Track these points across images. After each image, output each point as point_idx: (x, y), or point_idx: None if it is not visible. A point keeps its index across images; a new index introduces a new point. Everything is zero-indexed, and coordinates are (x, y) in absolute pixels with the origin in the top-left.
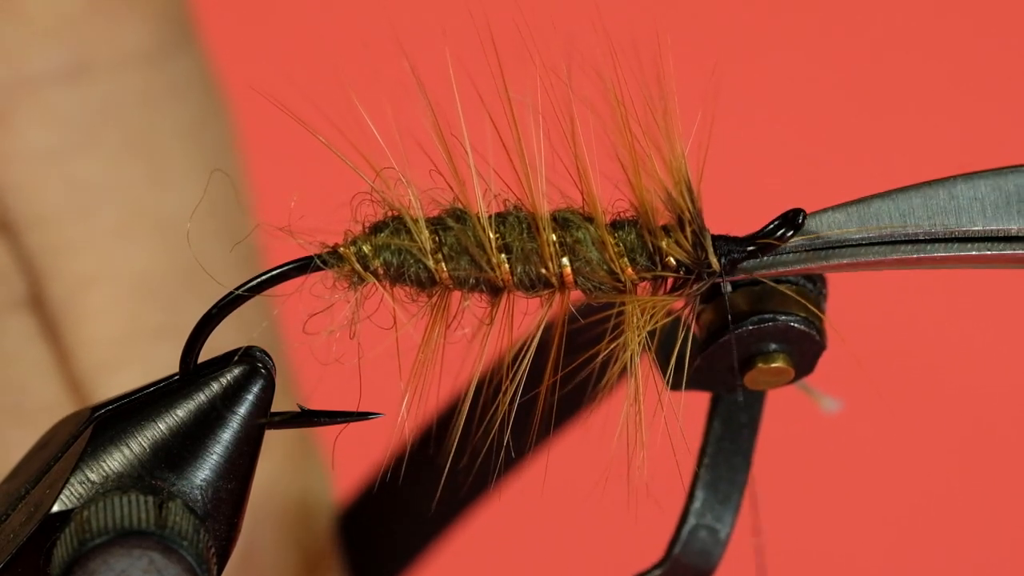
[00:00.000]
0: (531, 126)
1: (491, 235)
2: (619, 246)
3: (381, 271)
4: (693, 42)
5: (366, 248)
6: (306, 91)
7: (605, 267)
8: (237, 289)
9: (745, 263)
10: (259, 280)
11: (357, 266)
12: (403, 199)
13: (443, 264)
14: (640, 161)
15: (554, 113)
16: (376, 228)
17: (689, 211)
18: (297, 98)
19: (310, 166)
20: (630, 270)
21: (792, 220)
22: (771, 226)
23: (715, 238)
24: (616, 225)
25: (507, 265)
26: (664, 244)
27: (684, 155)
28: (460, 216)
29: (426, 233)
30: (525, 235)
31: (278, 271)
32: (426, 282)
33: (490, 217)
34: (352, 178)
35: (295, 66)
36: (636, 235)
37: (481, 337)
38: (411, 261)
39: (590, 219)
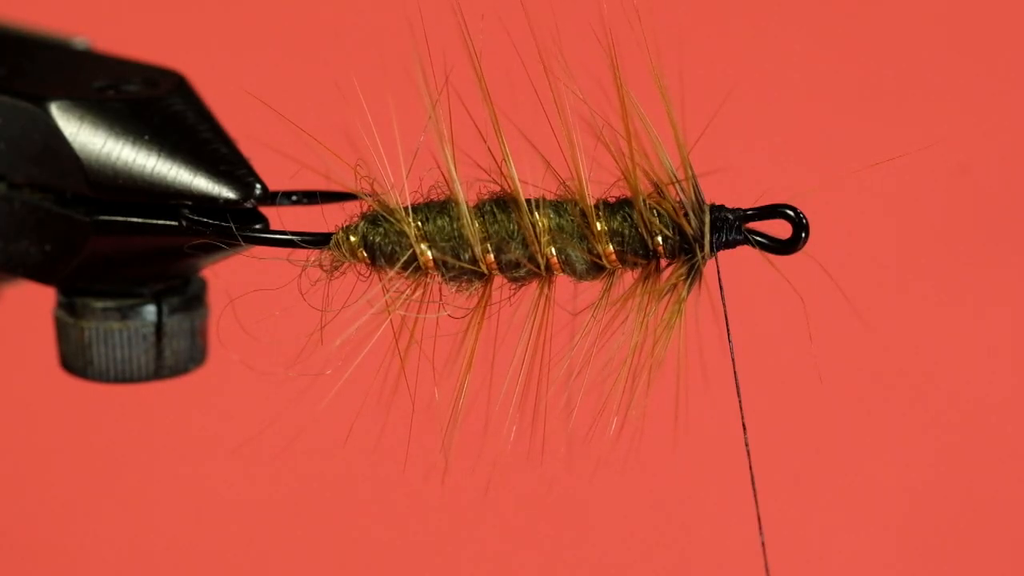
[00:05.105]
0: (505, 106)
1: (475, 225)
2: (605, 232)
3: (368, 256)
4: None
5: (354, 237)
6: (277, 85)
7: (590, 252)
8: (246, 233)
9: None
10: (270, 236)
11: (361, 253)
12: (392, 193)
13: (428, 253)
14: (638, 153)
15: (537, 93)
16: (372, 219)
17: (694, 210)
18: (281, 95)
19: (291, 169)
20: (613, 256)
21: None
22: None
23: (714, 229)
24: (604, 209)
25: (492, 255)
26: (659, 239)
27: (684, 146)
28: (445, 207)
29: (415, 224)
30: (508, 222)
31: (290, 237)
32: (411, 269)
33: (475, 206)
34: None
35: (270, 61)
36: (623, 219)
37: (470, 324)
38: (398, 249)
39: (576, 205)
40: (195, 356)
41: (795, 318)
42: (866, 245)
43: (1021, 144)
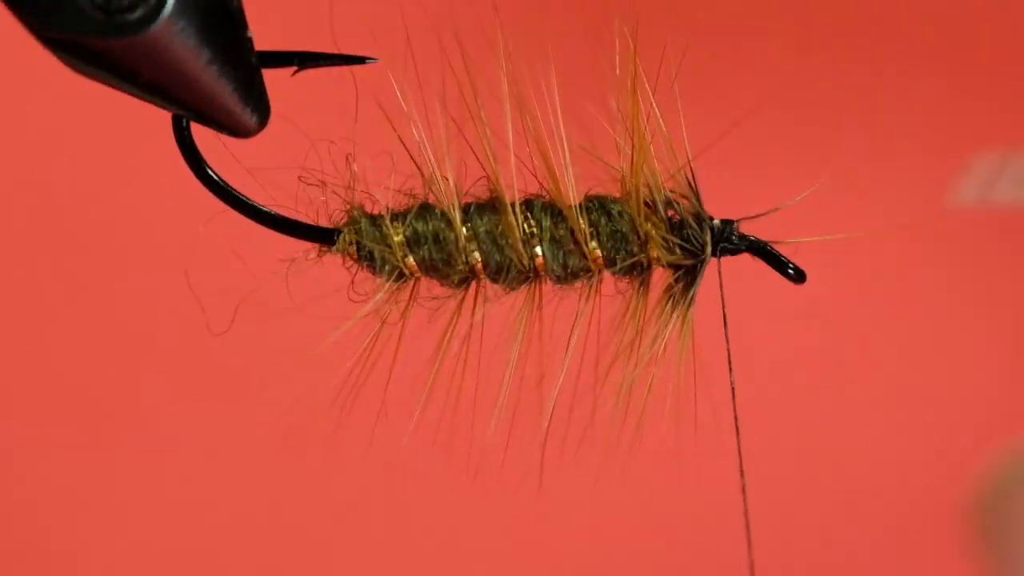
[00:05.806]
0: (502, 110)
1: (463, 228)
2: (598, 237)
3: (360, 258)
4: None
5: (350, 236)
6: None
7: (582, 257)
8: (260, 222)
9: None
10: (279, 224)
11: (353, 251)
12: (385, 196)
13: (410, 259)
14: (640, 162)
15: (536, 96)
16: (365, 223)
17: (693, 228)
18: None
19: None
20: (600, 259)
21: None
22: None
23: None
24: (593, 209)
25: (478, 255)
26: (655, 253)
27: (688, 157)
28: (431, 210)
29: (406, 228)
30: (498, 225)
31: (299, 228)
32: (400, 274)
33: (467, 207)
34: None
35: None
36: (613, 224)
37: (451, 327)
38: (389, 253)
39: (559, 210)
40: None
41: (793, 315)
42: (865, 242)
43: (1021, 144)
